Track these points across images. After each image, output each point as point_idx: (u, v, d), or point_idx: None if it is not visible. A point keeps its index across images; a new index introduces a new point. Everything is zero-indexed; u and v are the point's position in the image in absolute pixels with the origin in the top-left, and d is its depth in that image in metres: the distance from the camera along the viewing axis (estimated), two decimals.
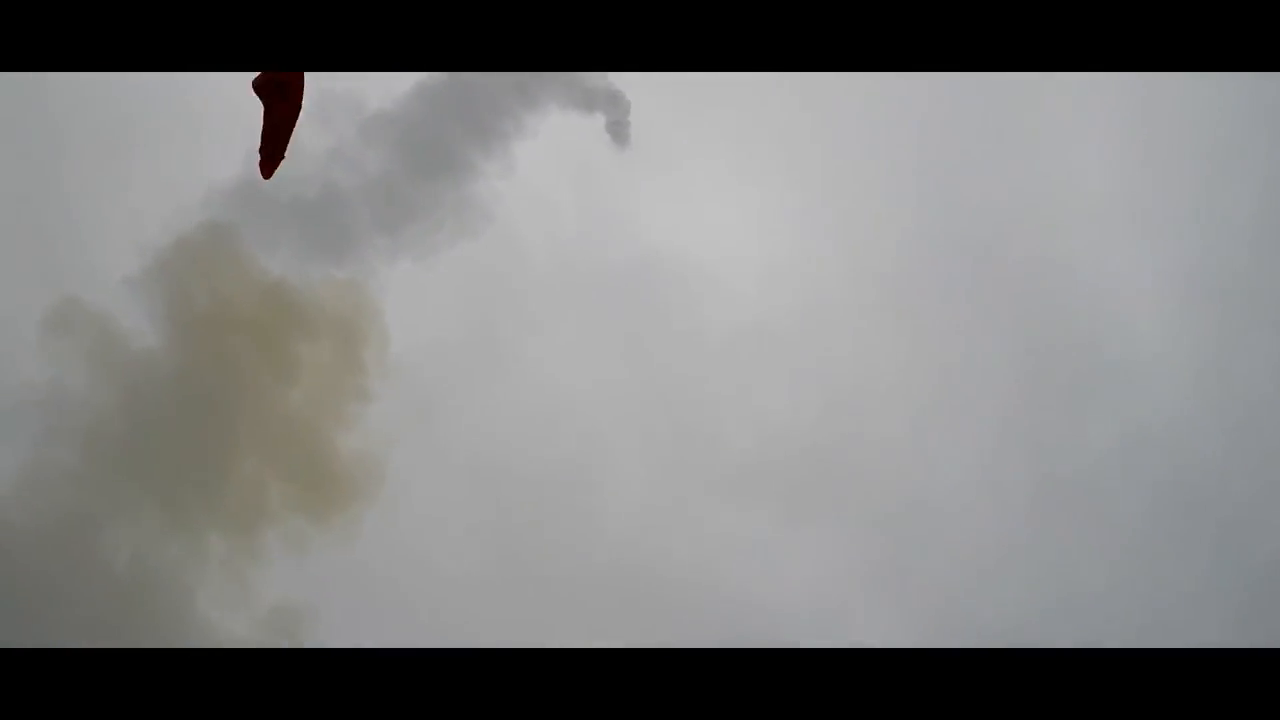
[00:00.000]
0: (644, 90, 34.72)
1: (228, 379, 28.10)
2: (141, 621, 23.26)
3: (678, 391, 43.72)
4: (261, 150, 22.06)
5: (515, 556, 39.54)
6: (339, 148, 31.65)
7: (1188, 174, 44.87)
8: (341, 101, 29.29)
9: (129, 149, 36.55)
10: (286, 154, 23.13)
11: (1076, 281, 44.47)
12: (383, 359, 31.31)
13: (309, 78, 22.81)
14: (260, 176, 23.58)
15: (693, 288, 44.22)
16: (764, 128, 43.55)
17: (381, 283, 32.18)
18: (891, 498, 42.60)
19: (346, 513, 29.68)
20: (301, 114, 24.25)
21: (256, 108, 29.94)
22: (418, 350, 33.41)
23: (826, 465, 42.48)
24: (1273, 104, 43.13)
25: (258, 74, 18.86)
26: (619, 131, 36.03)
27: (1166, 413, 41.75)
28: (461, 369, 37.53)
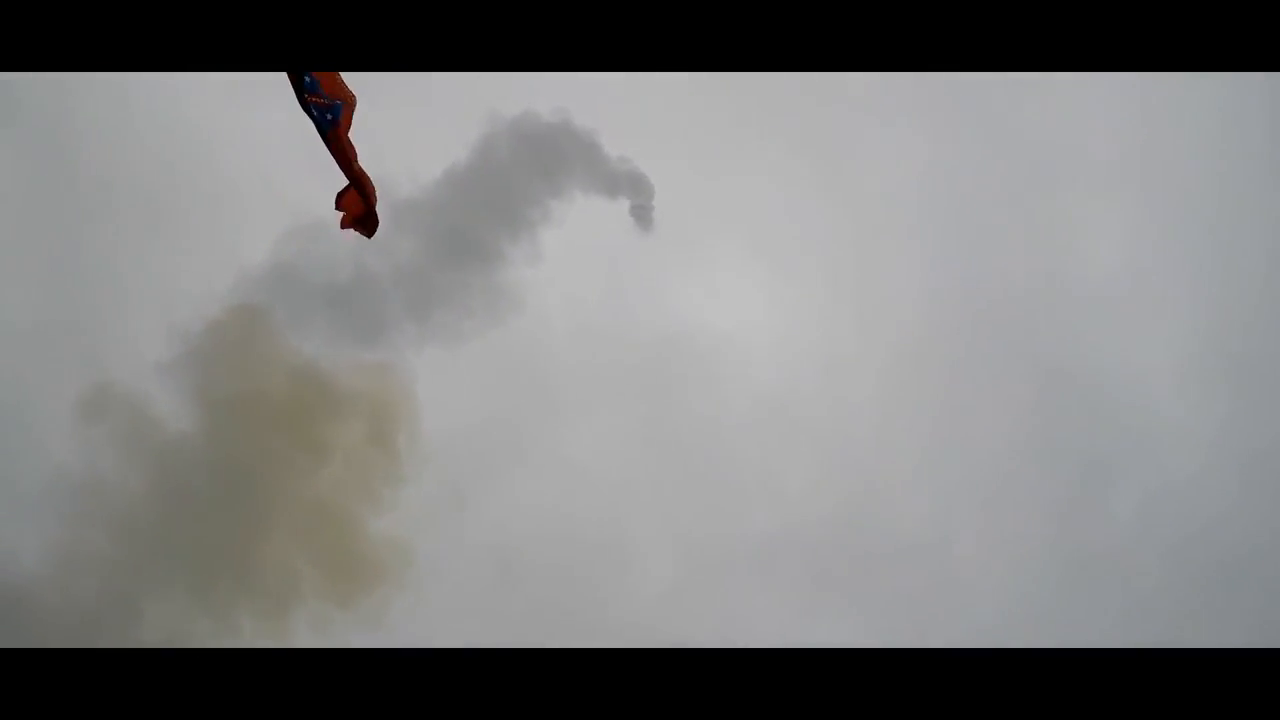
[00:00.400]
0: (662, 168, 35.82)
1: (259, 461, 28.48)
2: None
3: (700, 471, 43.98)
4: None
5: (536, 635, 39.41)
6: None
7: (1199, 247, 45.67)
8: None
9: (159, 230, 37.36)
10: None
11: (1093, 353, 45.00)
12: (413, 443, 31.68)
13: None
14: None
15: (713, 367, 44.83)
16: (783, 206, 44.63)
17: (409, 367, 32.77)
18: (913, 574, 42.50)
19: (374, 596, 29.78)
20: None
21: (288, 184, 30.40)
22: (444, 434, 33.79)
23: (848, 543, 42.47)
24: None
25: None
26: (643, 215, 36.88)
27: (1184, 478, 41.86)
28: (486, 454, 37.83)
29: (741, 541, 42.71)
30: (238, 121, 36.22)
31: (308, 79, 13.95)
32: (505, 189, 34.20)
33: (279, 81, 13.28)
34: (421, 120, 35.59)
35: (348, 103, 15.81)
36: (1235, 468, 42.70)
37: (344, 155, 16.68)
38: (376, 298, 33.02)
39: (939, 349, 44.97)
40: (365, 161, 15.44)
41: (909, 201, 44.89)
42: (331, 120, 15.80)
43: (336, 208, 17.95)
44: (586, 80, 23.14)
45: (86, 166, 36.26)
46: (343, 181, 16.30)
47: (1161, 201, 45.15)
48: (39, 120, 36.05)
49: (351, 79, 14.20)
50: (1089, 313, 45.33)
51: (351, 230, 18.38)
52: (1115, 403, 44.32)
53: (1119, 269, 44.71)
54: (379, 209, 17.55)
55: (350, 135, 15.23)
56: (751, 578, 42.53)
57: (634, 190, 37.23)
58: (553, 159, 34.24)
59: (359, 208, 17.19)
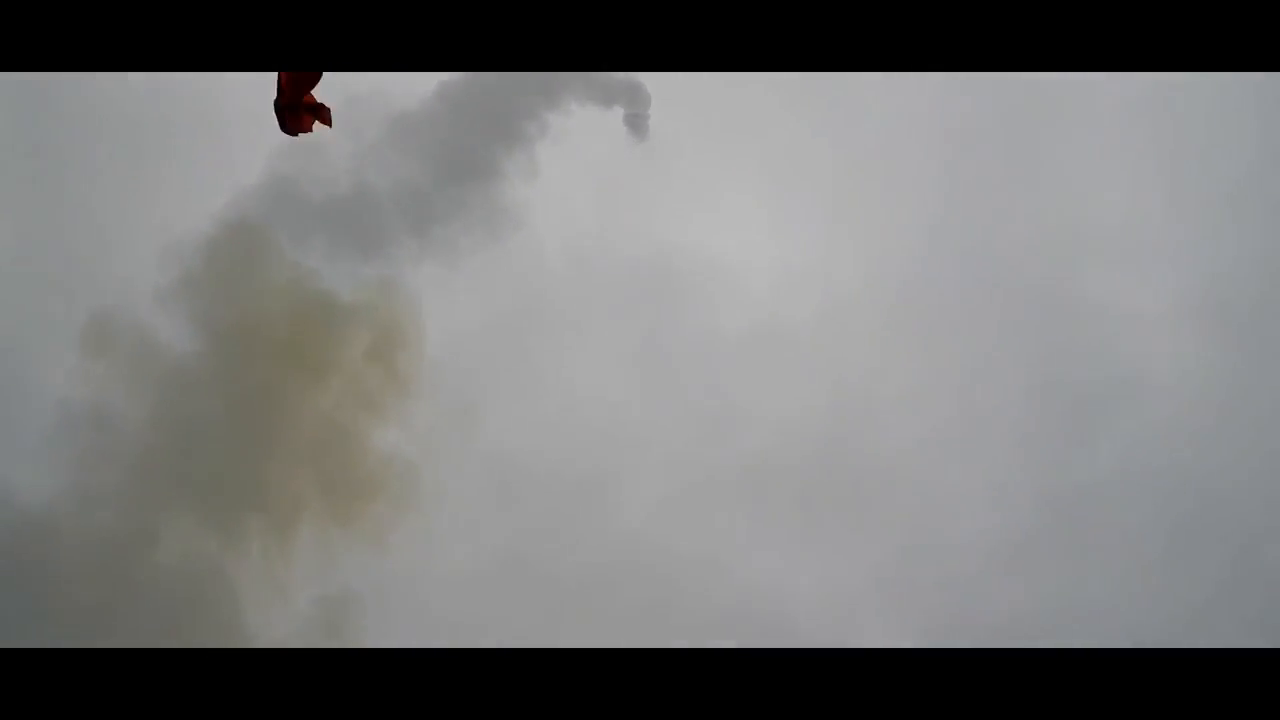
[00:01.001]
0: (666, 88, 35.06)
1: (263, 382, 28.41)
2: (192, 622, 23.75)
3: (692, 392, 44.32)
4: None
5: (532, 551, 40.21)
6: (363, 150, 31.87)
7: (1205, 196, 45.61)
8: (366, 103, 29.36)
9: (151, 155, 36.40)
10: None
11: (1091, 296, 45.27)
12: (416, 359, 31.67)
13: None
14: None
15: (709, 287, 44.75)
16: (786, 129, 43.99)
17: (410, 283, 32.55)
18: (901, 501, 43.44)
19: (379, 510, 30.14)
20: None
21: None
22: (442, 352, 33.77)
23: (837, 467, 43.23)
24: None
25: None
26: (637, 124, 36.21)
27: (1177, 428, 42.66)
28: (483, 369, 37.92)
29: (731, 462, 43.38)
30: None
31: None
32: (501, 102, 33.54)
33: None
34: None
35: None
36: (1221, 416, 43.57)
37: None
38: (375, 214, 32.59)
39: (937, 281, 45.17)
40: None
41: (916, 131, 44.38)
42: None
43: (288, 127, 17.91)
44: None
45: (72, 91, 35.08)
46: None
47: (1169, 146, 44.89)
48: None
49: None
50: (1089, 251, 45.51)
51: (312, 128, 18.35)
52: (1109, 342, 44.94)
53: (1122, 210, 44.79)
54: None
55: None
56: (740, 498, 43.35)
57: (630, 99, 36.54)
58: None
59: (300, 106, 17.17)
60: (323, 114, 17.89)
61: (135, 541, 24.28)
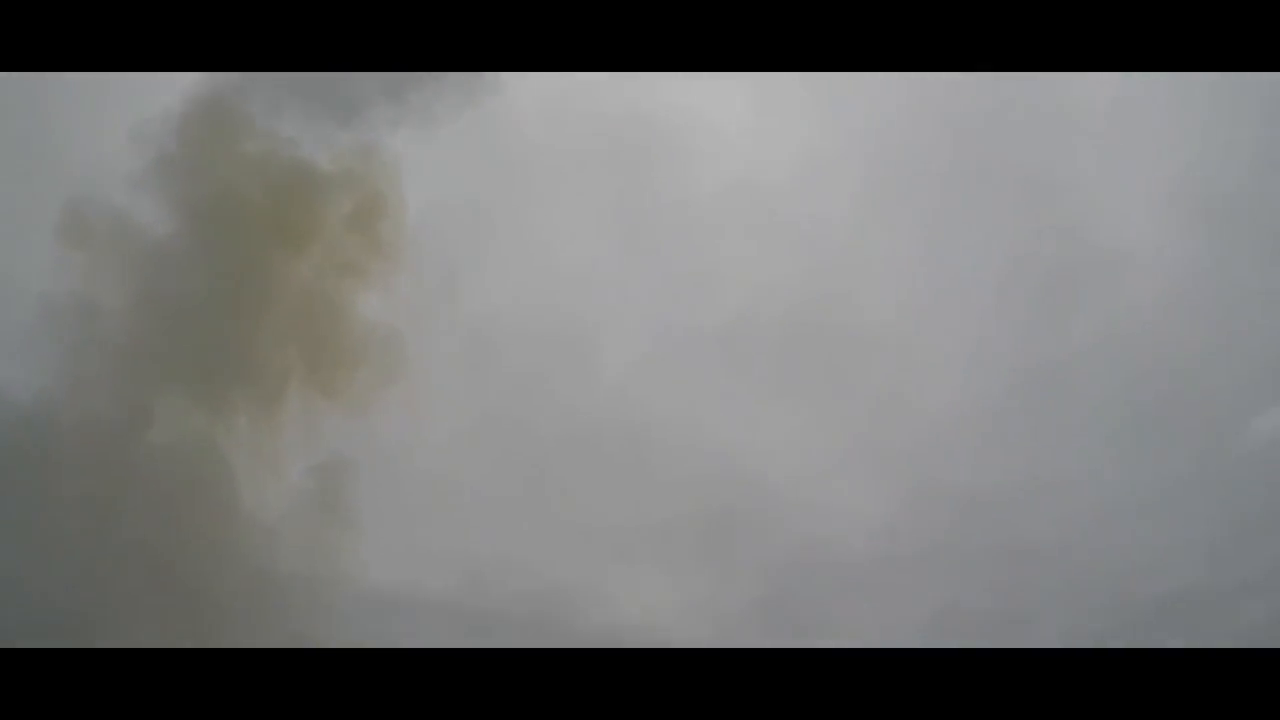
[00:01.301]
0: None
1: (244, 257, 28.22)
2: (190, 502, 24.44)
3: (668, 255, 44.47)
4: None
5: (515, 411, 41.11)
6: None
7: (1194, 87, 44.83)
8: None
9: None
10: None
11: (1076, 173, 45.08)
12: (399, 226, 31.43)
13: None
14: None
15: (687, 146, 44.18)
16: None
17: (387, 149, 31.94)
18: (877, 365, 44.47)
19: (365, 378, 30.56)
20: None
21: None
22: (421, 216, 33.55)
23: (814, 328, 43.99)
24: None
25: None
26: None
27: (1154, 306, 43.41)
28: (462, 234, 37.73)
29: (708, 325, 44.00)
30: None
31: None
32: None
33: None
34: None
35: None
36: (1199, 296, 44.26)
37: None
38: (349, 78, 31.61)
39: (921, 152, 44.72)
40: None
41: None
42: None
43: None
44: None
45: None
46: None
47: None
48: None
49: None
50: (1076, 131, 44.99)
51: None
52: (1091, 222, 45.01)
53: (1111, 91, 43.98)
54: None
55: None
56: (718, 357, 44.20)
57: None
58: None
59: None
60: None
61: (129, 426, 24.66)
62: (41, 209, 26.53)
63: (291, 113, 30.38)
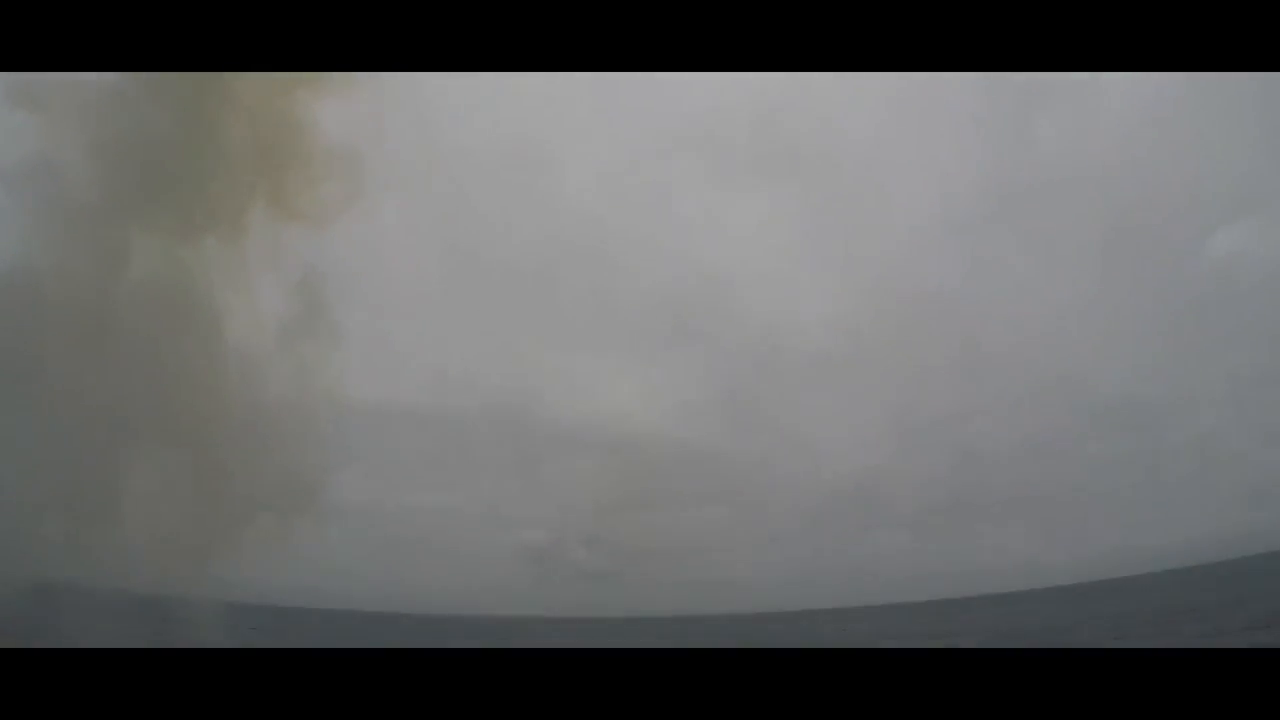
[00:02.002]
0: None
1: (198, 84, 27.74)
2: (174, 334, 25.15)
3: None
4: None
5: (479, 229, 41.68)
6: None
7: None
8: None
9: None
10: None
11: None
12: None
13: None
14: None
15: None
16: None
17: None
18: (846, 171, 45.09)
19: (327, 195, 30.81)
20: None
21: None
22: None
23: (780, 135, 44.23)
24: None
25: None
26: None
27: (1124, 128, 43.72)
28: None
29: (673, 128, 44.05)
30: None
31: None
32: None
33: None
34: None
35: None
36: (1164, 124, 44.41)
37: None
38: None
39: None
40: None
41: None
42: None
43: None
44: None
45: None
46: None
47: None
48: None
49: None
50: None
51: None
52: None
53: None
54: None
55: None
56: (682, 165, 44.49)
57: None
58: None
59: None
60: None
61: (107, 269, 25.02)
62: None
63: None
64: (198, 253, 27.43)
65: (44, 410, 22.67)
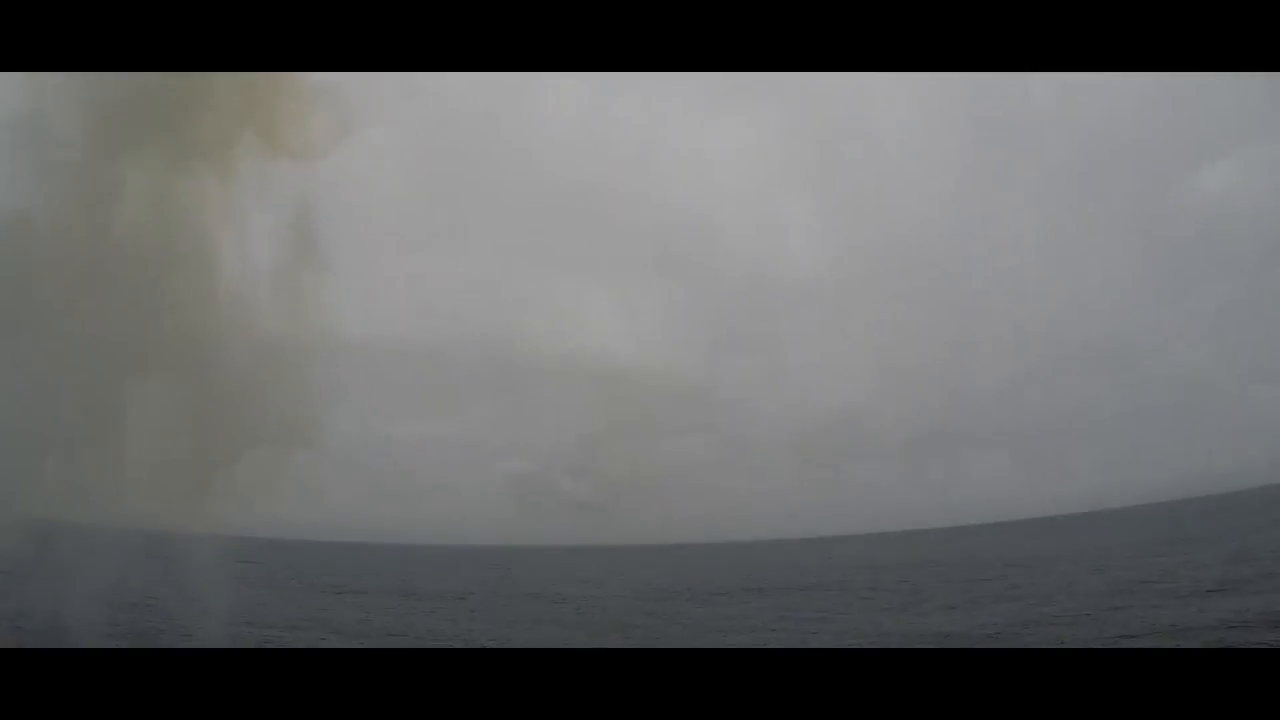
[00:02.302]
0: None
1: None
2: (169, 268, 25.05)
3: None
4: None
5: (464, 158, 41.17)
6: None
7: None
8: None
9: None
10: None
11: None
12: None
13: None
14: None
15: None
16: None
17: None
18: (831, 101, 44.65)
19: (316, 128, 30.41)
20: None
21: None
22: None
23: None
24: None
25: None
26: None
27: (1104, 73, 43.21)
28: None
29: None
30: None
31: None
32: None
33: None
34: None
35: None
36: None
37: None
38: None
39: None
40: None
41: None
42: None
43: None
44: None
45: None
46: None
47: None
48: None
49: None
50: None
51: None
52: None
53: None
54: None
55: None
56: (669, 83, 43.74)
57: None
58: None
59: None
60: None
61: (98, 207, 24.83)
62: None
63: None
64: (189, 189, 27.18)
65: (40, 350, 22.76)
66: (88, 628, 24.01)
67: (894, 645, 22.04)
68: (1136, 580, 46.76)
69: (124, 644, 24.23)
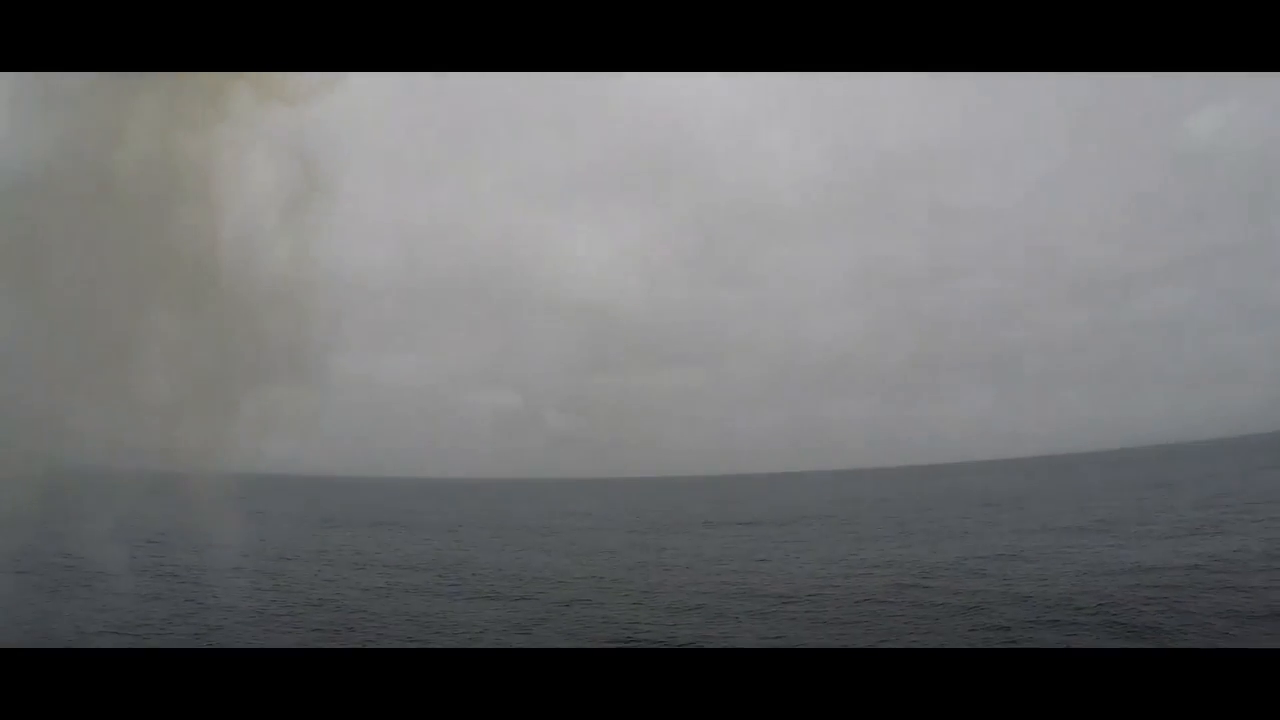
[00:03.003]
0: None
1: None
2: (171, 210, 25.38)
3: None
4: None
5: (447, 99, 40.88)
6: None
7: None
8: None
9: None
10: None
11: None
12: None
13: None
14: None
15: None
16: None
17: None
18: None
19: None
20: None
21: None
22: None
23: None
24: None
25: None
26: None
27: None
28: None
29: None
30: None
31: None
32: None
33: None
34: None
35: None
36: None
37: None
38: None
39: None
40: None
41: None
42: None
43: None
44: None
45: None
46: None
47: None
48: None
49: None
50: None
51: None
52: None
53: None
54: None
55: None
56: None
57: None
58: None
59: None
60: None
61: (101, 141, 25.09)
62: None
63: None
64: (188, 132, 27.51)
65: (50, 295, 23.27)
66: (105, 564, 25.09)
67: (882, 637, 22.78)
68: (1110, 519, 48.55)
69: (128, 636, 24.89)
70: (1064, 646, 21.20)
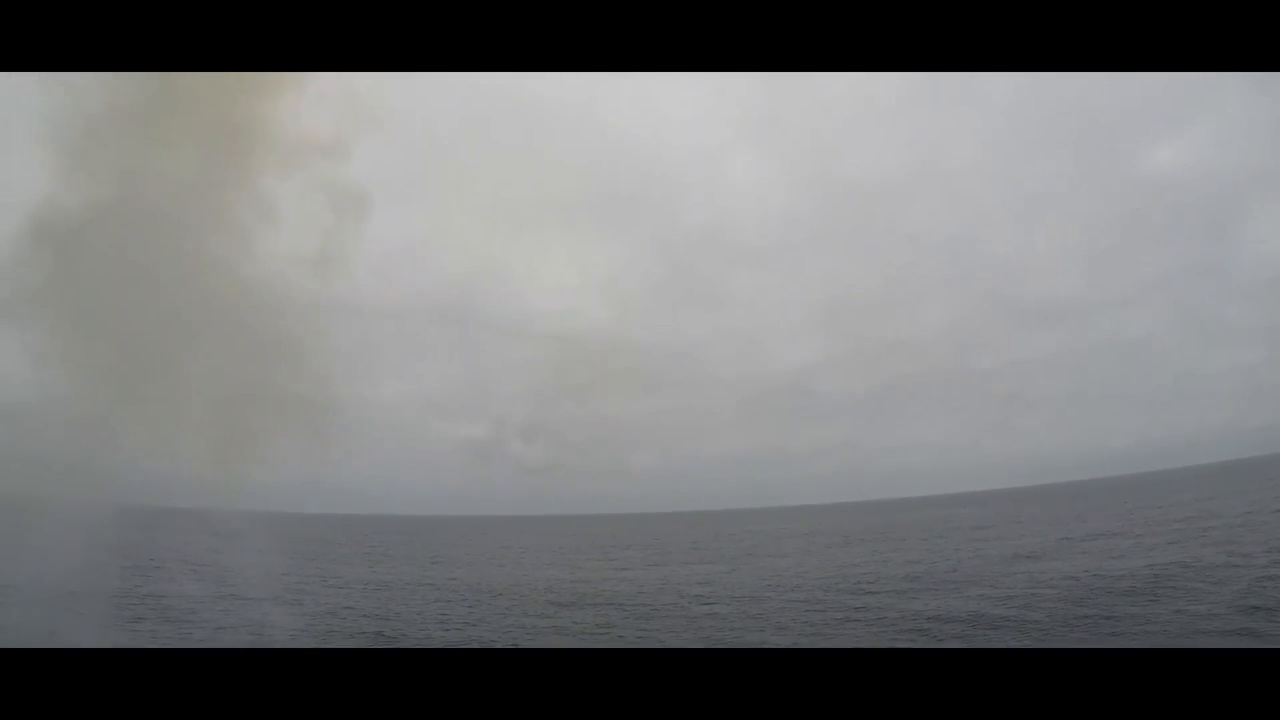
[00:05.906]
0: None
1: None
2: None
3: None
4: None
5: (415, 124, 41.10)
6: None
7: None
8: None
9: None
10: None
11: None
12: None
13: None
14: None
15: None
16: None
17: None
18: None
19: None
20: None
21: None
22: None
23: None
24: None
25: None
26: None
27: None
28: None
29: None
30: None
31: None
32: None
33: None
34: None
35: None
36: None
37: None
38: None
39: None
40: None
41: None
42: None
43: None
44: None
45: None
46: None
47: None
48: None
49: None
50: None
51: None
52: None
53: None
54: None
55: None
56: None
57: None
58: None
59: None
60: None
61: (120, 190, 25.72)
62: None
63: None
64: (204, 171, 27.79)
65: (84, 336, 23.83)
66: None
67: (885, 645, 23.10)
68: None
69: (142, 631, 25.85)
70: (1064, 647, 22.32)
